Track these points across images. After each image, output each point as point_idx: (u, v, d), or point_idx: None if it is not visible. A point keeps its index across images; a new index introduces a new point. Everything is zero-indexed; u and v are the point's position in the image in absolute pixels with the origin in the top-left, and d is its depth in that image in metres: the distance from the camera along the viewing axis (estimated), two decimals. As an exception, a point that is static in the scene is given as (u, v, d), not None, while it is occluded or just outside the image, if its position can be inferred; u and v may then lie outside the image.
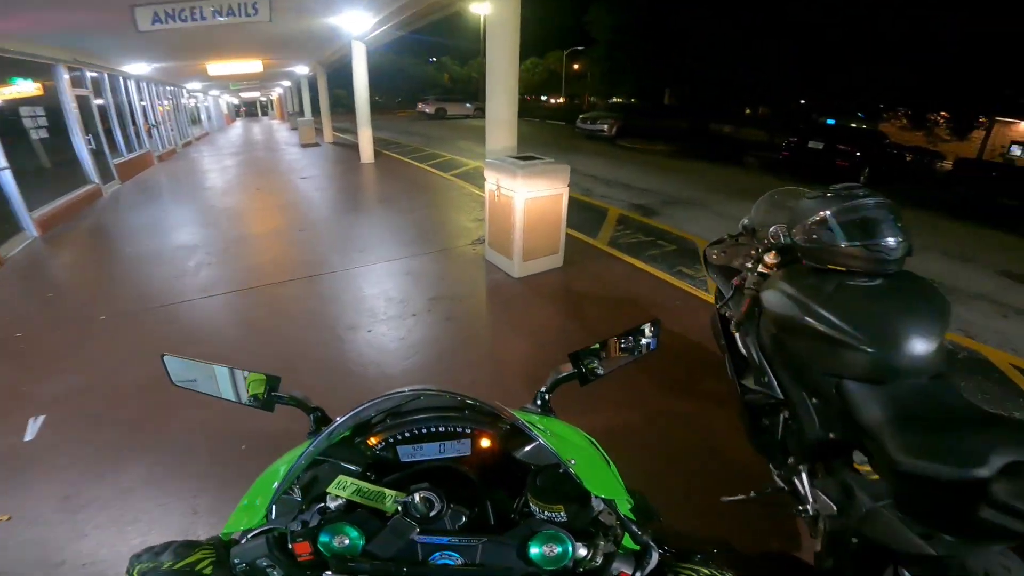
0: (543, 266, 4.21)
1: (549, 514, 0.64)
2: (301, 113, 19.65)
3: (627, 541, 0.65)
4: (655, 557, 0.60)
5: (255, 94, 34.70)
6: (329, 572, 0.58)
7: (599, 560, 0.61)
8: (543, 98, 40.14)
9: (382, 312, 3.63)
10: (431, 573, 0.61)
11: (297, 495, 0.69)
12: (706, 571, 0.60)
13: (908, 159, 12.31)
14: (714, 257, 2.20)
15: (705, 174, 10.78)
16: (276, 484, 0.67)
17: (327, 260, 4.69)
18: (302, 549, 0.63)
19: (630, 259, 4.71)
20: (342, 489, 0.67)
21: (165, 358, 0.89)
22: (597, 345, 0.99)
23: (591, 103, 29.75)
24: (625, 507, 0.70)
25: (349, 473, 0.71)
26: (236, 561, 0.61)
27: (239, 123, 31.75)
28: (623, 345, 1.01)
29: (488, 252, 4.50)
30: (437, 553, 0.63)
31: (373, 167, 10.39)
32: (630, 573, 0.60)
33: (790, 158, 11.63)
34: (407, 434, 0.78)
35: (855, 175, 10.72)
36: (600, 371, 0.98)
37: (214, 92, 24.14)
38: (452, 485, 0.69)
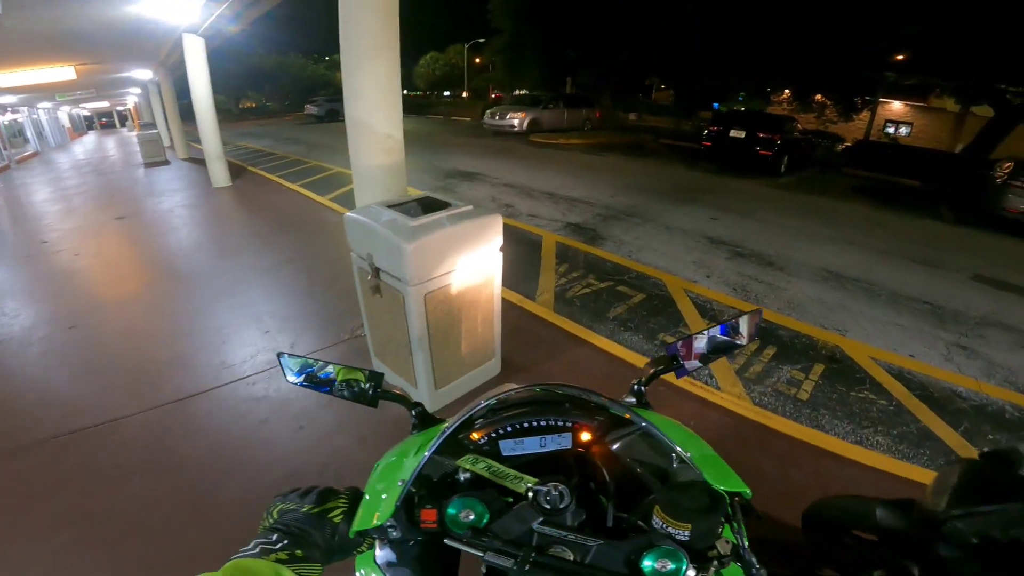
0: (471, 383, 2.58)
1: (672, 530, 0.61)
2: (152, 125, 16.02)
3: (733, 571, 0.61)
4: None
5: (103, 104, 29.11)
6: (448, 540, 0.62)
7: None
8: (446, 94, 38.18)
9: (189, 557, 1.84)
10: (546, 563, 0.60)
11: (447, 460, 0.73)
12: None
13: (814, 143, 12.43)
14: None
15: (628, 170, 9.87)
16: (400, 480, 0.69)
17: (99, 403, 2.70)
18: (428, 516, 0.64)
19: (594, 337, 3.26)
20: (472, 464, 0.69)
21: (281, 357, 0.93)
22: (693, 335, 0.95)
23: (497, 96, 28.51)
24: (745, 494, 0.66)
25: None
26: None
27: (90, 137, 26.29)
28: (721, 336, 0.94)
29: (377, 364, 2.77)
30: (553, 546, 0.62)
31: (228, 193, 8.01)
32: None
33: (712, 148, 11.08)
34: (508, 428, 0.77)
35: (776, 164, 10.42)
36: (698, 363, 0.95)
37: (44, 104, 19.48)
38: (576, 482, 0.71)
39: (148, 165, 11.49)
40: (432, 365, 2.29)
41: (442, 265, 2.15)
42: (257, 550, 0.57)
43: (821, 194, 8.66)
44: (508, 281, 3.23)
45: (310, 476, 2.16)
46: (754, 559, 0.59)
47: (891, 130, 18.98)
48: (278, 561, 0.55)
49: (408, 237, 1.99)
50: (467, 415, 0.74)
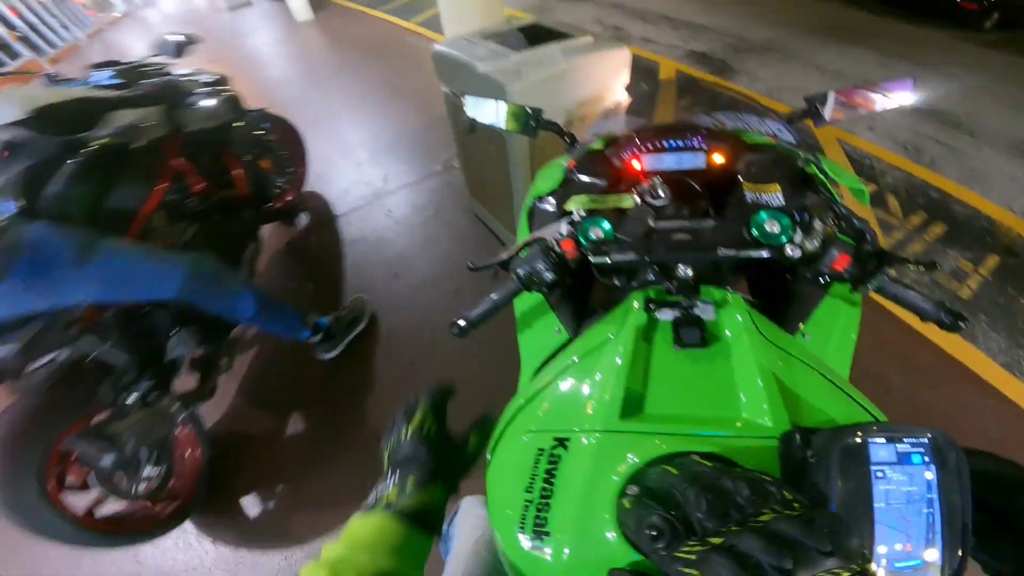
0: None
1: (765, 197, 0.68)
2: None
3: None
4: (874, 242, 0.62)
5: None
6: (593, 258, 0.72)
7: (817, 243, 0.63)
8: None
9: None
10: (671, 245, 0.69)
11: (551, 205, 0.86)
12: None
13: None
14: None
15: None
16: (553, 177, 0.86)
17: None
18: (568, 246, 0.73)
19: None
20: (580, 204, 0.74)
21: (466, 97, 1.14)
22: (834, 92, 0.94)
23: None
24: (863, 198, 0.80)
25: (593, 188, 0.82)
26: (519, 272, 0.72)
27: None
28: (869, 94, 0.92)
29: (475, 205, 2.67)
30: (672, 236, 0.71)
31: (311, 27, 7.58)
32: (851, 258, 0.62)
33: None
34: (650, 146, 0.84)
35: (981, 19, 7.23)
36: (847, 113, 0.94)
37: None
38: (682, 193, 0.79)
39: (233, 8, 11.21)
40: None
41: (553, 109, 1.80)
42: (372, 499, 0.55)
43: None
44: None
45: (403, 338, 2.23)
46: (853, 215, 0.65)
47: None
48: (388, 505, 0.52)
49: (512, 76, 1.64)
50: (603, 134, 0.89)
